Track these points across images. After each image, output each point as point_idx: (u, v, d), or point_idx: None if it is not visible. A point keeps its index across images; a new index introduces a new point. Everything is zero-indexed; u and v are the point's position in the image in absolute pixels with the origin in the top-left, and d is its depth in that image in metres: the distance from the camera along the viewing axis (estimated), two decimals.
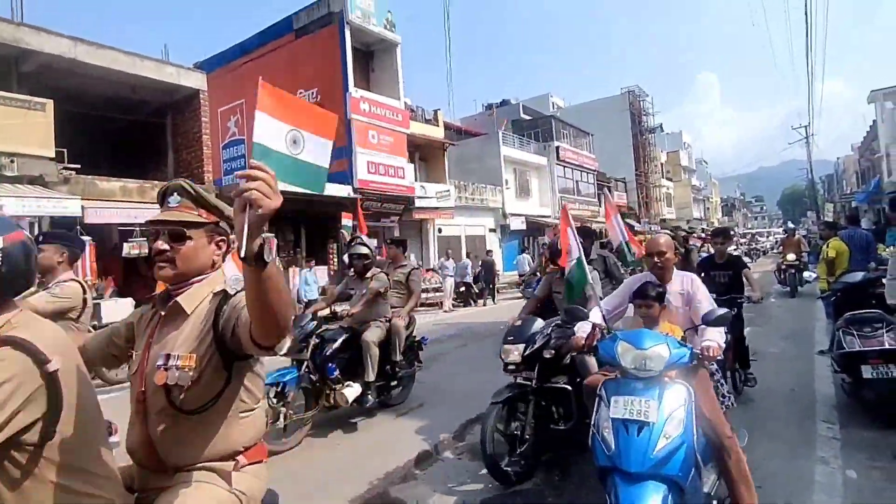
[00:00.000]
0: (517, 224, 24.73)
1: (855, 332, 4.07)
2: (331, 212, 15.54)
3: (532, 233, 26.66)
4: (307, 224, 15.35)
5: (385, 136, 16.85)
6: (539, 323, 3.73)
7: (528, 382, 3.45)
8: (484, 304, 16.12)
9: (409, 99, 20.49)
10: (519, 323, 3.77)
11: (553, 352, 3.55)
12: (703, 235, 18.39)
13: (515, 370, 3.52)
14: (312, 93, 16.73)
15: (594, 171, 33.04)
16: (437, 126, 20.86)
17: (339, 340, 4.55)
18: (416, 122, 19.55)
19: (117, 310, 9.99)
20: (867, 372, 3.89)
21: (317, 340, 4.42)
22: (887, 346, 3.80)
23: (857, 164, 42.22)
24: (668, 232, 6.04)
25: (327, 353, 4.40)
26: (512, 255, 24.00)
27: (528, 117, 32.81)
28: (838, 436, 3.84)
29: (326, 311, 5.03)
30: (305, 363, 4.30)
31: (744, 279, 4.81)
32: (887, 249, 6.24)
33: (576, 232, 3.71)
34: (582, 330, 2.93)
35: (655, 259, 2.96)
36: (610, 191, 36.04)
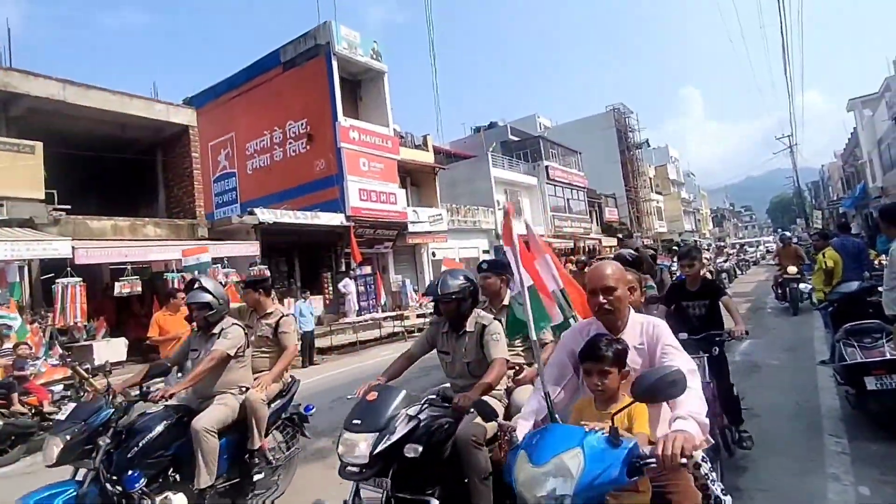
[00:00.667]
0: None
1: (855, 344, 4.06)
2: (324, 241, 15.53)
3: None
4: (301, 254, 15.31)
5: (376, 163, 16.97)
6: (401, 397, 2.46)
7: (377, 494, 2.32)
8: None
9: (399, 125, 20.72)
10: (373, 396, 2.46)
11: (420, 448, 2.33)
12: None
13: (358, 474, 2.28)
14: (302, 123, 16.90)
15: (584, 188, 33.33)
16: (427, 151, 21.04)
17: (156, 430, 3.07)
18: (406, 147, 19.73)
19: (110, 350, 9.84)
20: (871, 383, 3.86)
21: (116, 436, 2.93)
22: (889, 357, 3.79)
23: (841, 171, 42.89)
24: (631, 251, 4.84)
25: (130, 455, 2.91)
26: None
27: (516, 138, 33.20)
28: (847, 450, 3.78)
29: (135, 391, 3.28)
30: (95, 472, 2.82)
31: (724, 310, 3.98)
32: (880, 257, 6.26)
33: (544, 254, 2.74)
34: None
35: (600, 298, 1.95)
36: (601, 207, 36.35)
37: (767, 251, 45.59)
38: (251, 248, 12.22)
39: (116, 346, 10.27)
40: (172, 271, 10.76)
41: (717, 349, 3.61)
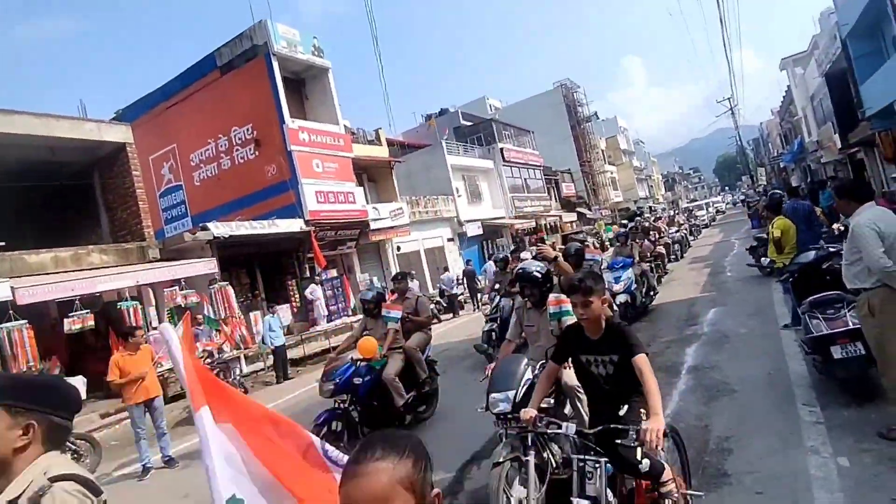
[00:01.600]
0: (473, 230, 24.82)
1: (820, 315, 4.19)
2: (285, 248, 15.08)
3: (489, 236, 26.83)
4: (262, 264, 14.82)
5: (329, 162, 16.52)
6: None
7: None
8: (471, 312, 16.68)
9: (349, 121, 20.22)
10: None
11: (365, 377, 4.18)
12: (645, 224, 16.91)
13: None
14: (247, 129, 16.25)
15: (540, 166, 33.64)
16: (381, 145, 20.66)
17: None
18: (359, 143, 19.30)
19: None
20: (837, 352, 4.01)
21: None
22: (851, 326, 3.92)
23: (779, 127, 44.79)
24: (547, 248, 4.90)
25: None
26: (473, 261, 24.05)
27: (468, 123, 33.09)
28: (821, 419, 3.93)
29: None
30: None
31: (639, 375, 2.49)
32: (834, 225, 6.53)
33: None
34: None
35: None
36: (558, 183, 36.82)
37: (718, 212, 47.12)
38: (209, 266, 11.71)
39: (74, 385, 9.70)
40: (126, 299, 10.22)
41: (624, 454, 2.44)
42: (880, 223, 3.39)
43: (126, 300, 10.14)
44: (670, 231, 19.15)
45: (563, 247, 13.29)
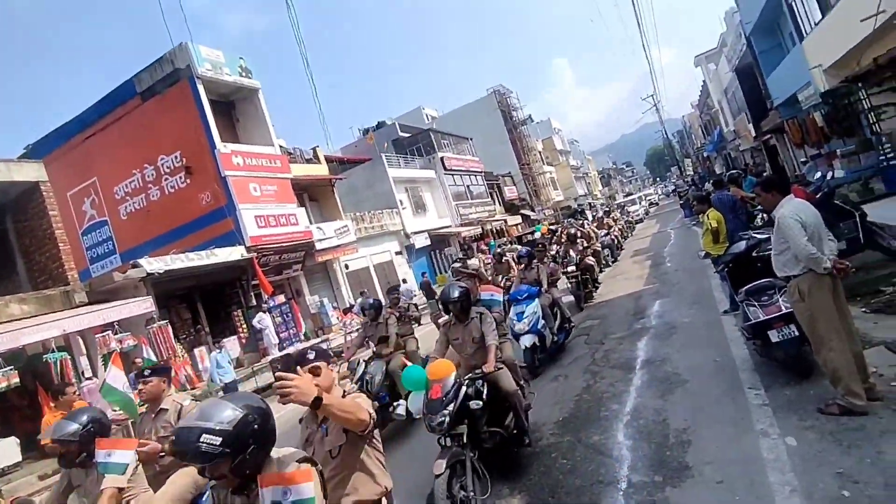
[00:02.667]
0: (421, 241, 24.80)
1: (756, 303, 4.42)
2: (227, 278, 14.47)
3: (437, 246, 26.88)
4: (204, 296, 14.13)
5: (268, 185, 16.03)
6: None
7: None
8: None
9: (284, 141, 19.72)
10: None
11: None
12: (571, 230, 14.18)
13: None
14: (176, 157, 15.50)
15: (481, 172, 34.12)
16: (320, 163, 20.28)
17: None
18: (297, 163, 18.86)
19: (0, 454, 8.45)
20: (774, 336, 4.24)
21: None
22: (784, 311, 4.16)
23: (699, 119, 47.71)
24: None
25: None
26: (420, 273, 24.03)
27: (406, 134, 33.10)
28: (767, 401, 4.12)
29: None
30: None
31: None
32: (759, 216, 6.95)
33: None
34: None
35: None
36: (500, 187, 37.45)
37: (651, 204, 48.19)
38: (144, 305, 11.02)
39: (6, 448, 8.81)
40: (52, 351, 9.43)
41: None
42: (802, 214, 3.62)
43: (52, 352, 9.36)
44: (600, 234, 16.75)
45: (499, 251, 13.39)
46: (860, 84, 11.79)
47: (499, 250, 14.26)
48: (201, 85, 14.96)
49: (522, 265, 8.22)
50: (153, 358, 10.50)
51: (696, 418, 4.21)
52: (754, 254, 5.32)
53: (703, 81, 35.08)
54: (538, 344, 6.64)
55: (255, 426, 1.72)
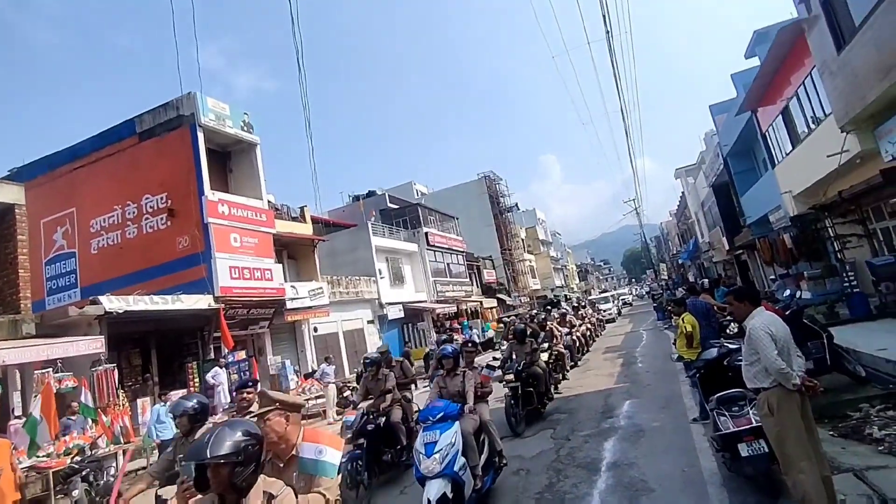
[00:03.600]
0: (395, 312, 24.44)
1: (726, 413, 4.34)
2: (187, 327, 13.86)
3: (410, 319, 26.51)
4: (160, 343, 13.45)
5: (249, 237, 15.88)
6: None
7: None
8: None
9: (273, 195, 19.87)
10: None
11: (380, 421, 6.54)
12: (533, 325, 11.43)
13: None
14: (161, 198, 15.40)
15: (463, 252, 34.53)
16: (305, 223, 20.34)
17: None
18: (283, 220, 18.89)
19: None
20: (744, 450, 4.12)
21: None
22: (755, 424, 4.07)
23: (676, 228, 49.82)
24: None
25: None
26: (391, 345, 23.46)
27: (394, 206, 33.75)
28: None
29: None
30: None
31: None
32: (730, 326, 7.04)
33: None
34: None
35: None
36: (479, 269, 37.80)
37: (624, 304, 45.72)
38: (94, 345, 10.40)
39: None
40: None
41: None
42: (772, 327, 3.66)
43: None
44: (562, 333, 13.27)
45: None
46: (827, 213, 12.53)
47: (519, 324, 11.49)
48: (202, 133, 15.20)
49: (444, 370, 5.90)
50: (90, 403, 9.75)
51: None
52: (725, 362, 5.32)
53: (682, 193, 37.05)
54: (450, 496, 4.47)
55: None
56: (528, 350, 8.84)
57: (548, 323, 12.22)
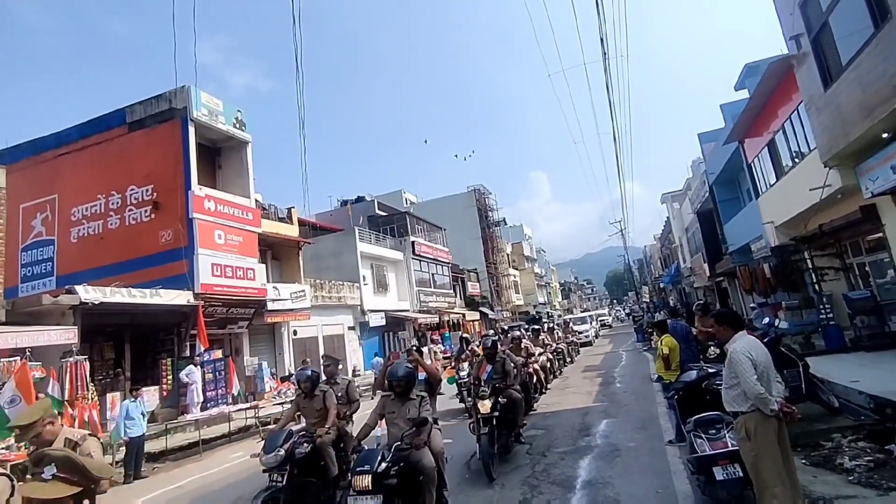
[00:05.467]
0: (377, 320, 24.29)
1: (703, 435, 4.35)
2: (165, 322, 13.62)
3: (392, 328, 26.36)
4: (134, 337, 13.17)
5: (233, 235, 15.71)
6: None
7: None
8: None
9: (260, 195, 19.70)
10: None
11: (308, 447, 5.16)
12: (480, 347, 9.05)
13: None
14: (147, 190, 15.19)
15: (448, 263, 34.54)
16: (292, 224, 20.19)
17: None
18: (269, 220, 18.73)
19: None
20: (719, 474, 4.12)
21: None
22: (731, 448, 4.09)
23: (659, 251, 50.47)
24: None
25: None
26: (371, 352, 23.30)
27: (383, 213, 33.69)
28: None
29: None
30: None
31: None
32: (710, 349, 7.09)
33: None
34: None
35: None
36: (464, 282, 37.81)
37: (603, 325, 42.22)
38: (66, 335, 10.14)
39: None
40: None
41: None
42: (752, 352, 3.69)
43: None
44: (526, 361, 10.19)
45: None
46: (806, 245, 12.81)
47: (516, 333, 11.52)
48: (193, 127, 15.08)
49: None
50: (57, 395, 9.46)
51: None
52: (704, 385, 5.36)
53: (668, 218, 37.60)
54: None
55: None
56: (499, 370, 7.37)
57: (522, 341, 10.85)
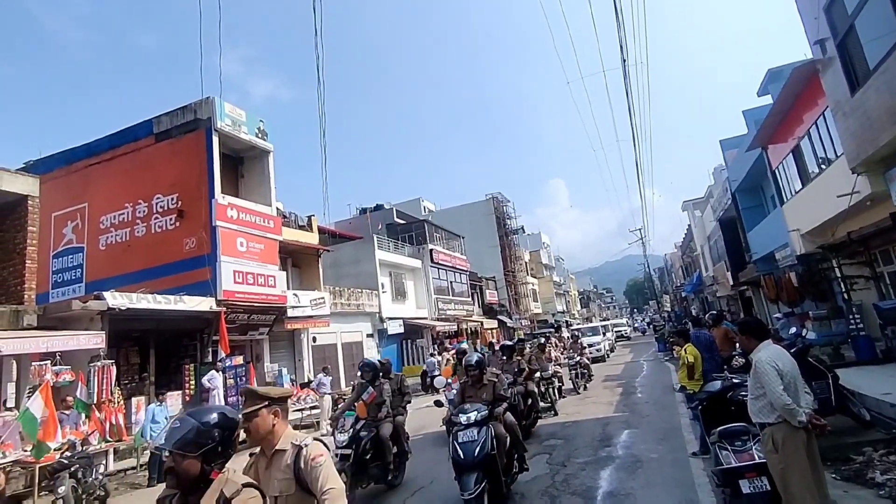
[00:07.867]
0: (395, 327, 24.36)
1: (729, 447, 4.26)
2: (187, 328, 13.86)
3: (410, 335, 26.39)
4: (159, 343, 13.42)
5: (255, 243, 15.95)
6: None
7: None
8: None
9: (282, 203, 20.00)
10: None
11: (367, 433, 6.37)
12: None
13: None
14: (172, 198, 15.54)
15: (467, 271, 34.52)
16: (312, 232, 20.44)
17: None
18: (290, 227, 18.99)
19: None
20: (746, 487, 4.03)
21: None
22: (758, 460, 4.00)
23: (681, 260, 49.69)
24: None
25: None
26: (390, 359, 23.34)
27: (401, 221, 33.88)
28: None
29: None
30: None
31: None
32: (735, 358, 6.95)
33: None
34: None
35: None
36: (482, 290, 37.72)
37: (620, 337, 37.67)
38: (94, 340, 10.39)
39: None
40: None
41: None
42: (778, 362, 3.62)
43: None
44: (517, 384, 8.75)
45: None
46: (834, 253, 12.48)
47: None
48: (217, 137, 15.41)
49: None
50: (86, 398, 9.70)
51: None
52: (728, 396, 5.26)
53: (689, 226, 37.05)
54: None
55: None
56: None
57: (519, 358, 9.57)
